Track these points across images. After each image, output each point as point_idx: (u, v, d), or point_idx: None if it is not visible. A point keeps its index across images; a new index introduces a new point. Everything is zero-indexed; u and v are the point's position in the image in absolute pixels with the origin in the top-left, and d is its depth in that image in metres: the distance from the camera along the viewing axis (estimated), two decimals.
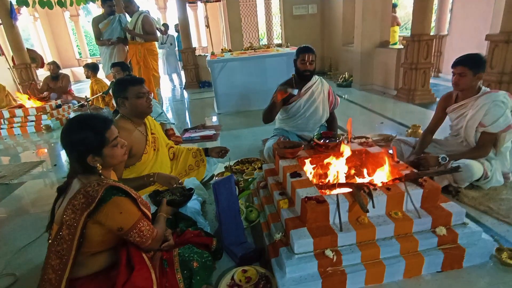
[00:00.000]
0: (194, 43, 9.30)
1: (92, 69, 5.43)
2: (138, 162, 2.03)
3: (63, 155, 3.76)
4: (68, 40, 12.23)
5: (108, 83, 5.33)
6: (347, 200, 1.51)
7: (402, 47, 5.07)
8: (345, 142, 2.04)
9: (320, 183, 1.80)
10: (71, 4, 6.02)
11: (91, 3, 6.78)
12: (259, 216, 1.94)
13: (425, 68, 4.70)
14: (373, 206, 1.49)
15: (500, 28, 3.33)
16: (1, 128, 4.76)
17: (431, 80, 5.11)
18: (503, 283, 1.43)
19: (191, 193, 1.84)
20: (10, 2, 5.79)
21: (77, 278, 1.24)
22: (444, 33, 6.84)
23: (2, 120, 4.77)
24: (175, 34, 8.29)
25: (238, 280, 1.48)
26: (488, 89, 2.17)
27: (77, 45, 13.04)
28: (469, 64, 2.08)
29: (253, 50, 5.82)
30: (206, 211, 2.21)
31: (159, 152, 2.18)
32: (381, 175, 1.77)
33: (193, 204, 2.01)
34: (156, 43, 5.13)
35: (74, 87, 7.29)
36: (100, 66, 5.75)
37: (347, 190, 1.58)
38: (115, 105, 2.11)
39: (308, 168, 1.87)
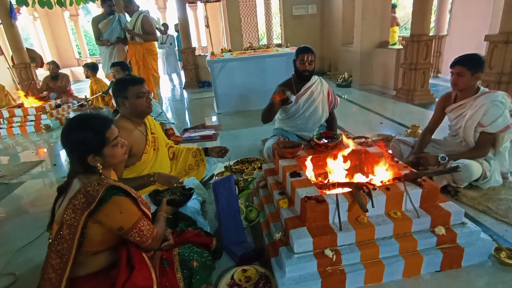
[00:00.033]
0: (194, 43, 9.32)
1: (91, 68, 5.43)
2: (138, 162, 2.04)
3: (63, 154, 3.76)
4: (68, 40, 12.22)
5: (108, 83, 5.33)
6: (346, 200, 1.51)
7: (402, 47, 5.08)
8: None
9: (320, 183, 1.80)
10: (70, 4, 6.02)
11: (90, 2, 6.79)
12: (258, 215, 1.95)
13: (424, 68, 4.71)
14: (373, 206, 1.49)
15: (499, 29, 3.34)
16: (1, 128, 4.75)
17: (431, 81, 5.13)
18: (502, 282, 1.44)
19: (191, 192, 1.85)
20: (10, 1, 5.78)
21: (78, 277, 1.24)
22: (443, 34, 6.85)
23: (1, 120, 4.77)
24: (175, 34, 8.29)
25: (238, 279, 1.49)
26: (486, 89, 2.18)
27: (77, 45, 13.04)
28: (468, 64, 2.09)
29: (252, 50, 5.82)
30: (206, 211, 2.22)
31: (159, 151, 2.18)
32: (381, 175, 1.78)
33: (193, 204, 2.02)
34: (155, 43, 5.13)
35: (73, 87, 7.29)
36: (100, 66, 5.75)
37: (347, 189, 1.59)
38: (114, 104, 2.12)
39: (310, 168, 1.88)
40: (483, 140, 2.15)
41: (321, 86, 2.75)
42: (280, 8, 8.13)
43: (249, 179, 2.36)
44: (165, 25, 7.95)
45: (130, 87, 1.94)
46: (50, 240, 1.26)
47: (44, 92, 5.79)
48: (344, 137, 1.99)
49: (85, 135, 1.24)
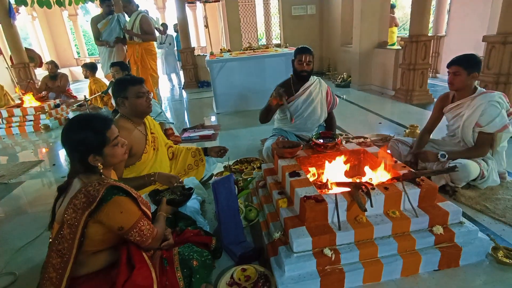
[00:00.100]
0: (193, 43, 9.32)
1: (90, 68, 5.43)
2: (138, 162, 2.04)
3: (62, 154, 3.76)
4: (67, 40, 12.19)
5: (107, 82, 5.33)
6: (345, 200, 1.52)
7: (400, 47, 5.09)
8: (343, 142, 2.06)
9: (319, 183, 1.81)
10: (69, 4, 6.02)
11: (89, 2, 6.78)
12: (258, 215, 1.95)
13: (423, 68, 4.73)
14: (371, 205, 1.50)
15: (497, 30, 3.35)
16: (0, 128, 4.75)
17: (429, 81, 5.14)
18: (499, 281, 1.45)
19: (191, 192, 1.85)
20: (9, 1, 5.77)
21: (78, 276, 1.24)
22: (442, 34, 6.88)
23: (0, 120, 4.76)
24: (174, 34, 8.29)
25: (238, 278, 1.49)
26: (484, 90, 2.20)
27: (76, 45, 13.01)
28: (464, 64, 2.11)
29: (252, 50, 5.83)
30: (206, 211, 2.22)
31: (158, 151, 2.19)
32: (379, 175, 1.79)
33: (193, 204, 2.02)
34: (154, 43, 5.13)
35: (72, 87, 7.27)
36: (99, 65, 5.75)
37: (346, 189, 1.60)
38: (114, 104, 2.12)
39: (310, 168, 1.89)
40: (482, 140, 2.16)
41: (319, 86, 2.76)
42: (279, 8, 8.14)
43: (248, 179, 2.36)
44: (164, 25, 7.94)
45: (130, 87, 1.95)
46: (50, 240, 1.26)
47: (43, 92, 5.78)
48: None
49: (86, 135, 1.25)
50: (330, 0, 7.50)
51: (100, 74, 5.60)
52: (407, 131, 3.36)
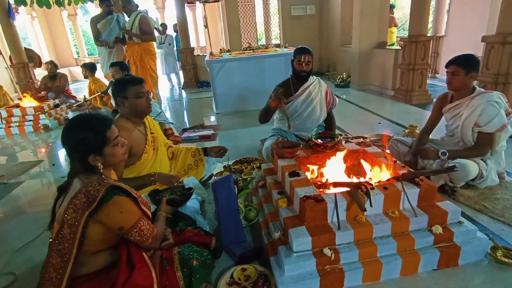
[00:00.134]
0: (193, 43, 9.32)
1: (89, 68, 5.43)
2: (138, 162, 2.04)
3: (61, 154, 3.76)
4: (66, 40, 12.18)
5: (106, 82, 5.33)
6: (345, 199, 1.53)
7: (400, 48, 5.10)
8: (343, 142, 2.07)
9: (319, 183, 1.82)
10: (69, 4, 6.02)
11: (89, 2, 6.78)
12: (258, 215, 1.96)
13: (422, 69, 4.74)
14: (371, 205, 1.50)
15: (496, 30, 3.36)
16: None
17: (428, 81, 5.16)
18: (498, 280, 1.45)
19: (191, 192, 1.86)
20: (8, 1, 5.77)
21: (78, 276, 1.25)
22: (441, 34, 6.89)
23: (0, 120, 4.76)
24: (174, 34, 8.29)
25: (237, 278, 1.50)
26: (482, 90, 2.21)
27: (75, 45, 13.00)
28: (462, 64, 2.12)
29: (251, 50, 5.83)
30: (205, 210, 2.23)
31: (158, 151, 2.19)
32: (379, 175, 1.79)
33: (193, 203, 2.03)
34: (154, 43, 5.12)
35: (71, 87, 7.26)
36: (98, 65, 5.74)
37: (345, 189, 1.60)
38: (113, 104, 2.12)
39: (310, 168, 1.89)
40: (482, 140, 2.17)
41: (319, 86, 2.76)
42: (278, 8, 8.15)
43: (248, 179, 2.37)
44: (164, 25, 7.94)
45: (130, 87, 1.95)
46: (51, 240, 1.26)
47: (42, 92, 5.78)
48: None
49: (86, 135, 1.25)
50: (330, 0, 7.51)
51: (99, 74, 5.59)
52: (406, 131, 3.37)
